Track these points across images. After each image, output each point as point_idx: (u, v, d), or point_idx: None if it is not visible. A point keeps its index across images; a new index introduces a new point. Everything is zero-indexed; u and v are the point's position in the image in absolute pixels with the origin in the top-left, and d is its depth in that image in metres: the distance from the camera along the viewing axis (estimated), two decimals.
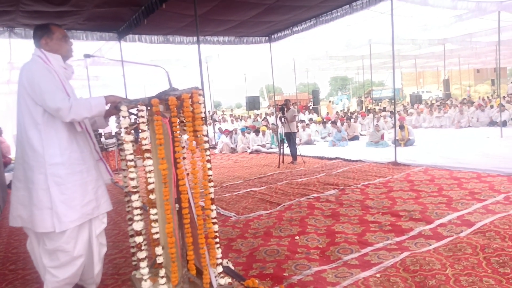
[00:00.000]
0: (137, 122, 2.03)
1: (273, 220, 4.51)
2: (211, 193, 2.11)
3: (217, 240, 2.19)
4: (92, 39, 8.52)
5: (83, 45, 9.01)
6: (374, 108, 22.10)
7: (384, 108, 23.08)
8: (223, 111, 33.15)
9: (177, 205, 2.14)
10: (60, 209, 2.27)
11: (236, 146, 12.99)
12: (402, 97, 34.66)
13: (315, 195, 5.53)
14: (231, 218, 4.75)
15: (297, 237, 3.87)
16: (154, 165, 2.10)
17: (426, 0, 8.22)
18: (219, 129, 15.03)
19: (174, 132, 2.07)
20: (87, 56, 2.62)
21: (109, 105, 2.32)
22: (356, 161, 8.45)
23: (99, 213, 2.47)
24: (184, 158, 2.20)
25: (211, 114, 18.26)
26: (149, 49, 10.99)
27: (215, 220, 2.16)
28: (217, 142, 13.92)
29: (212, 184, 2.13)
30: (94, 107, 2.25)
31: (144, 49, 10.87)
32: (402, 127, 10.44)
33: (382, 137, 10.89)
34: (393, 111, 10.07)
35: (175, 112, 2.04)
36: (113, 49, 9.63)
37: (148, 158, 2.02)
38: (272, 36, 10.37)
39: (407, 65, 27.93)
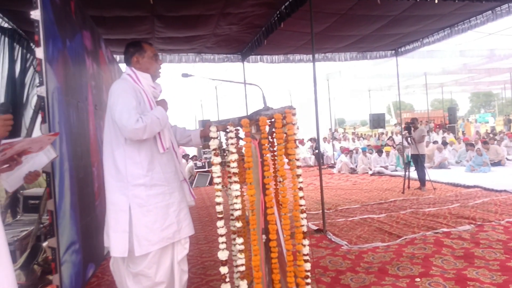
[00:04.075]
0: (226, 143, 1.91)
1: (390, 255, 3.97)
2: (302, 225, 1.86)
3: (308, 280, 1.91)
4: (218, 61, 9.14)
5: (211, 66, 9.74)
6: None
7: None
8: (344, 128, 32.17)
9: (264, 236, 1.95)
10: (141, 232, 2.22)
11: (356, 166, 12.31)
12: None
13: (445, 229, 4.73)
14: (342, 247, 4.35)
15: (417, 279, 3.29)
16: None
17: None
18: (340, 148, 14.54)
19: (264, 155, 1.89)
20: (185, 75, 2.63)
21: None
22: (500, 191, 7.10)
23: (180, 238, 2.36)
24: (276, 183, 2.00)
25: (332, 132, 17.86)
26: (271, 68, 11.28)
27: (307, 258, 1.88)
28: (336, 161, 13.43)
29: (304, 215, 1.87)
30: (161, 120, 2.26)
31: (266, 68, 11.21)
32: None
33: None
34: None
35: (265, 133, 1.86)
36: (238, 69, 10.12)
37: (235, 182, 1.88)
38: (399, 50, 9.57)
39: None
